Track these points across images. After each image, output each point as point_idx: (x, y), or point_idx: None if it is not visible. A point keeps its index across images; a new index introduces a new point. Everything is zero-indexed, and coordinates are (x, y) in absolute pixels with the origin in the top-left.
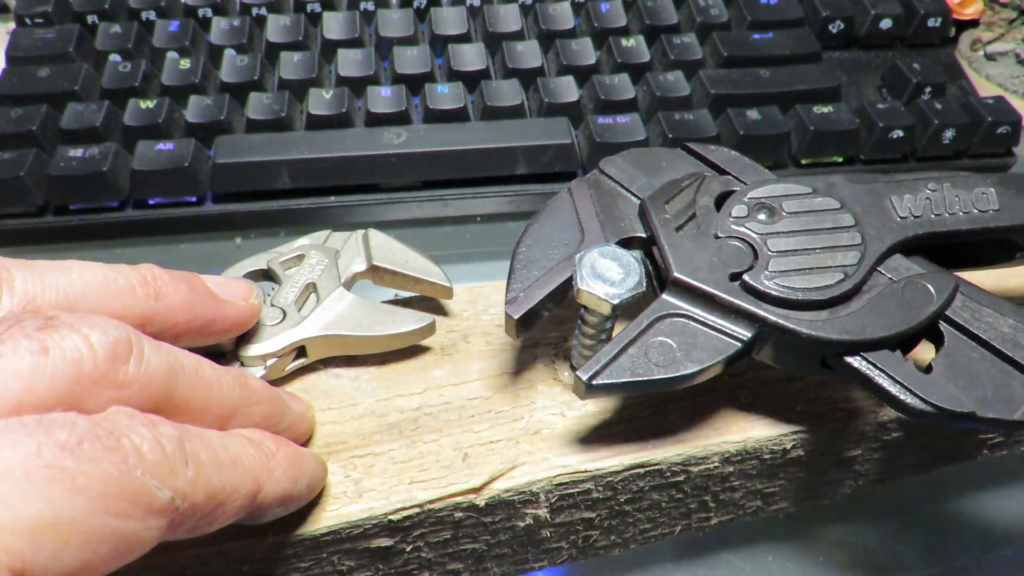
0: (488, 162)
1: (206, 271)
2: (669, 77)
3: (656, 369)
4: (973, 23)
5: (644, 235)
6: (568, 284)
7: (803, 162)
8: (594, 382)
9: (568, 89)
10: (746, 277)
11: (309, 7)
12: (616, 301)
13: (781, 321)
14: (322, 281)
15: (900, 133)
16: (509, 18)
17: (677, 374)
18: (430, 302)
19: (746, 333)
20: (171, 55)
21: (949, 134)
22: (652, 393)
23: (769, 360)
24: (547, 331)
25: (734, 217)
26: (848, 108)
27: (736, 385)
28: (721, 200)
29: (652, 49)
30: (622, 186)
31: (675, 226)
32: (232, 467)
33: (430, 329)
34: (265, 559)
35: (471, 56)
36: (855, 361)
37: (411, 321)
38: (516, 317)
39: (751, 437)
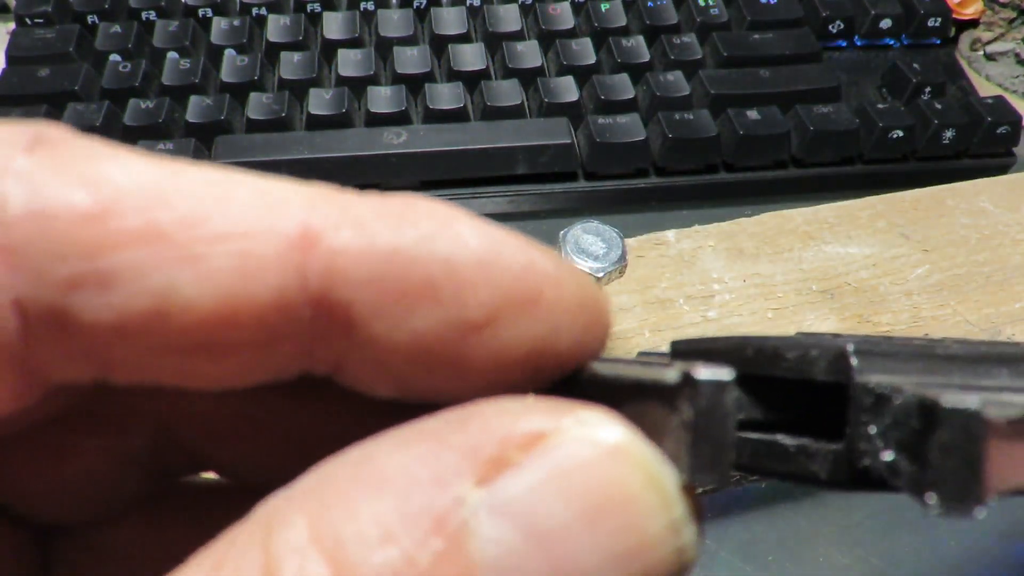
0: (488, 162)
1: None
2: (669, 77)
3: None
4: (973, 23)
5: None
6: None
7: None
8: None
9: (568, 89)
10: None
11: (309, 7)
12: (601, 275)
13: None
14: None
15: (900, 133)
16: (509, 18)
17: None
18: None
19: None
20: (171, 55)
21: (949, 134)
22: None
23: None
24: None
25: None
26: (848, 108)
27: None
28: None
29: (652, 49)
30: None
31: None
32: None
33: None
34: None
35: (471, 56)
36: None
37: None
38: None
39: None
